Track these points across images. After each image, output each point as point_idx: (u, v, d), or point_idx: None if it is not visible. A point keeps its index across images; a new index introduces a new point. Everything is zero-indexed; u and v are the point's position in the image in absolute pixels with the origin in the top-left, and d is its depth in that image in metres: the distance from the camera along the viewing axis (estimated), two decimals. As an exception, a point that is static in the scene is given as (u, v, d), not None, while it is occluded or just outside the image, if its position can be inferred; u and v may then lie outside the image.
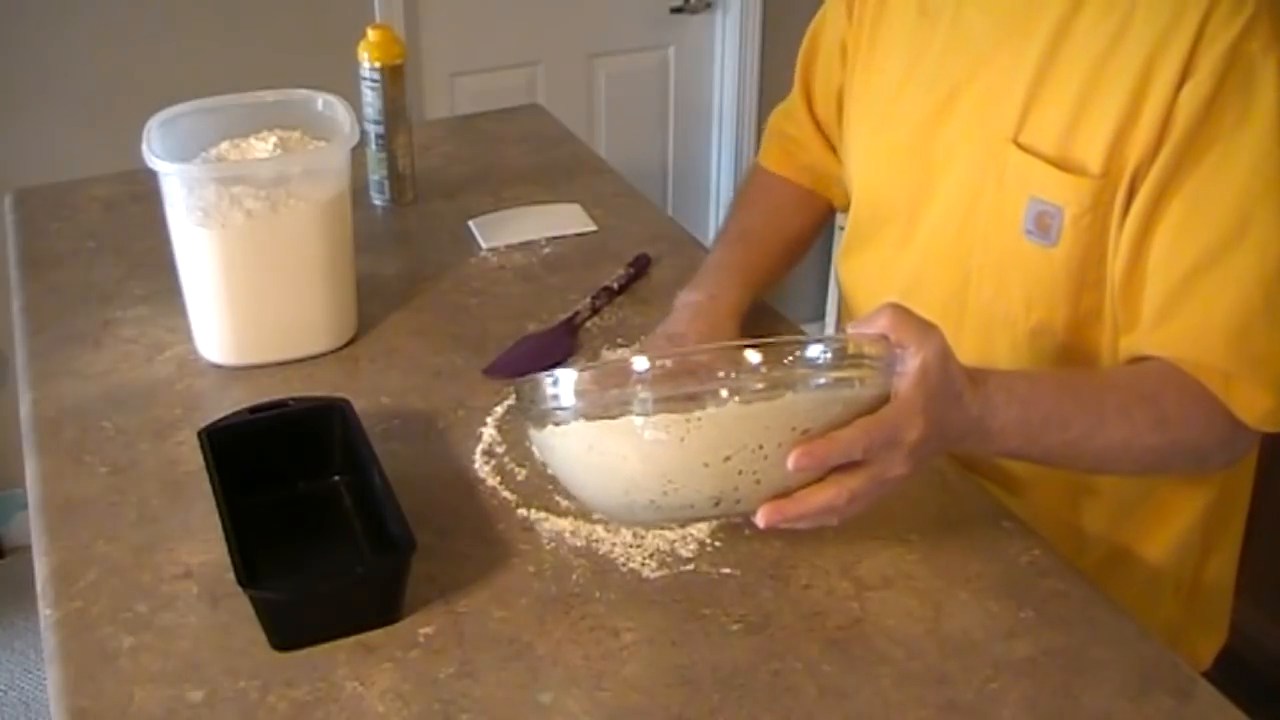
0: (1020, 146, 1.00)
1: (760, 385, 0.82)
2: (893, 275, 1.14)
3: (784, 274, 1.29)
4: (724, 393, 0.83)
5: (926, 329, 0.84)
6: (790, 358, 0.83)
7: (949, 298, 1.09)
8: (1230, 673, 1.07)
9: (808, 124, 1.29)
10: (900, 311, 0.85)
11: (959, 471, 1.05)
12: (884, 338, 0.84)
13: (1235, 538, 1.20)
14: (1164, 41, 0.92)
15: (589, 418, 0.85)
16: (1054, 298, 1.02)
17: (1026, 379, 0.95)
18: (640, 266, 1.33)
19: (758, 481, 0.83)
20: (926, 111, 1.09)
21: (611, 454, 0.85)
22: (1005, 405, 0.89)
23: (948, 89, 1.07)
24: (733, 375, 0.83)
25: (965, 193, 1.06)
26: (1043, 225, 1.00)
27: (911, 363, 0.83)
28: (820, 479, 0.83)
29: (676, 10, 2.80)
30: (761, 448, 0.81)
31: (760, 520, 0.83)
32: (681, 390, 0.83)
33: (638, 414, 0.82)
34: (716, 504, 0.84)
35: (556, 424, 0.86)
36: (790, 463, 0.80)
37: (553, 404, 0.86)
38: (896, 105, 1.13)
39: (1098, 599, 0.92)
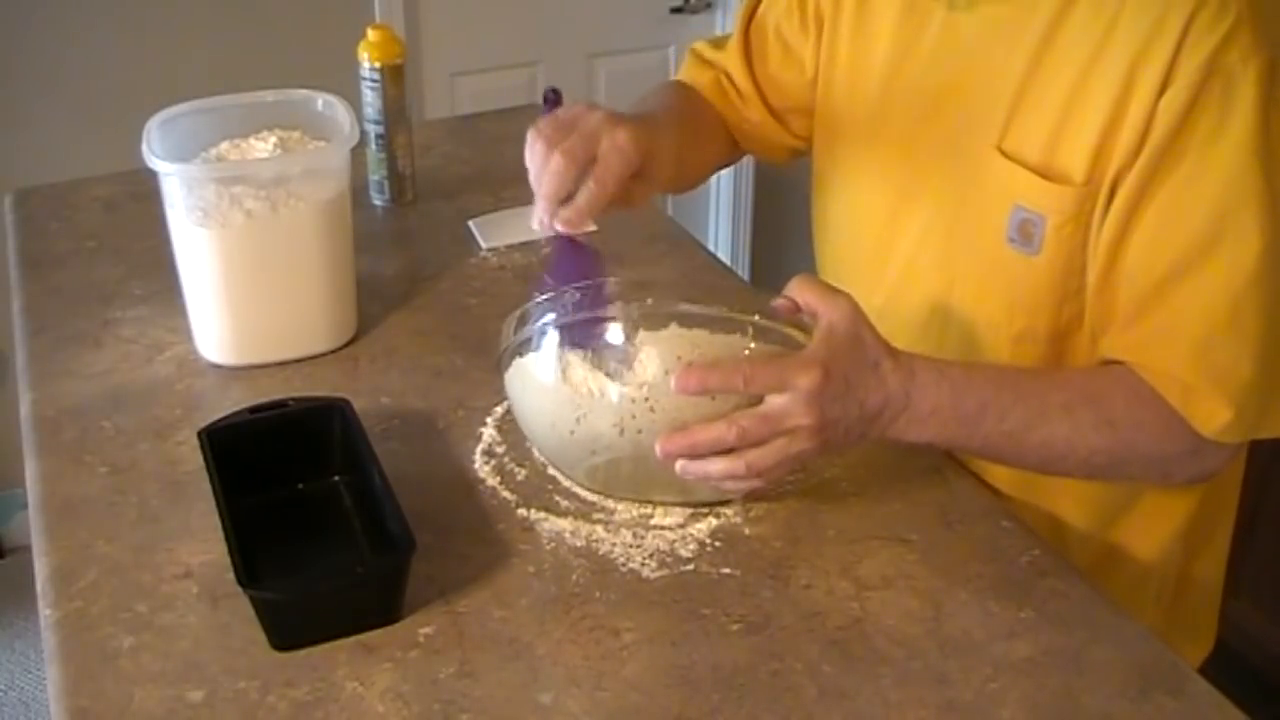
0: (1004, 153, 1.00)
1: (657, 319, 0.92)
2: (877, 278, 1.14)
3: (678, 187, 1.30)
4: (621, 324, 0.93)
5: (834, 294, 0.89)
6: (691, 301, 0.93)
7: (933, 303, 1.09)
8: (1230, 672, 1.07)
9: (744, 76, 1.26)
10: (808, 278, 0.90)
11: (959, 471, 1.05)
12: (791, 302, 0.90)
13: (1221, 546, 1.19)
14: (1146, 49, 0.92)
15: (521, 354, 0.96)
16: (1036, 306, 1.02)
17: (962, 366, 0.95)
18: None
19: (652, 410, 0.90)
20: (913, 114, 1.09)
21: (535, 388, 0.95)
22: (935, 385, 0.90)
23: (934, 92, 1.07)
24: (632, 306, 0.93)
25: (950, 198, 1.06)
26: (1025, 233, 1.00)
27: (820, 324, 0.88)
28: None
29: (676, 10, 2.80)
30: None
31: (658, 450, 0.88)
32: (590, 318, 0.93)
33: (548, 346, 0.93)
34: (621, 433, 0.91)
35: (505, 368, 0.97)
36: (672, 383, 0.86)
37: (503, 346, 0.97)
38: (881, 106, 1.12)
39: (1098, 599, 0.92)
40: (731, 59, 1.27)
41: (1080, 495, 1.09)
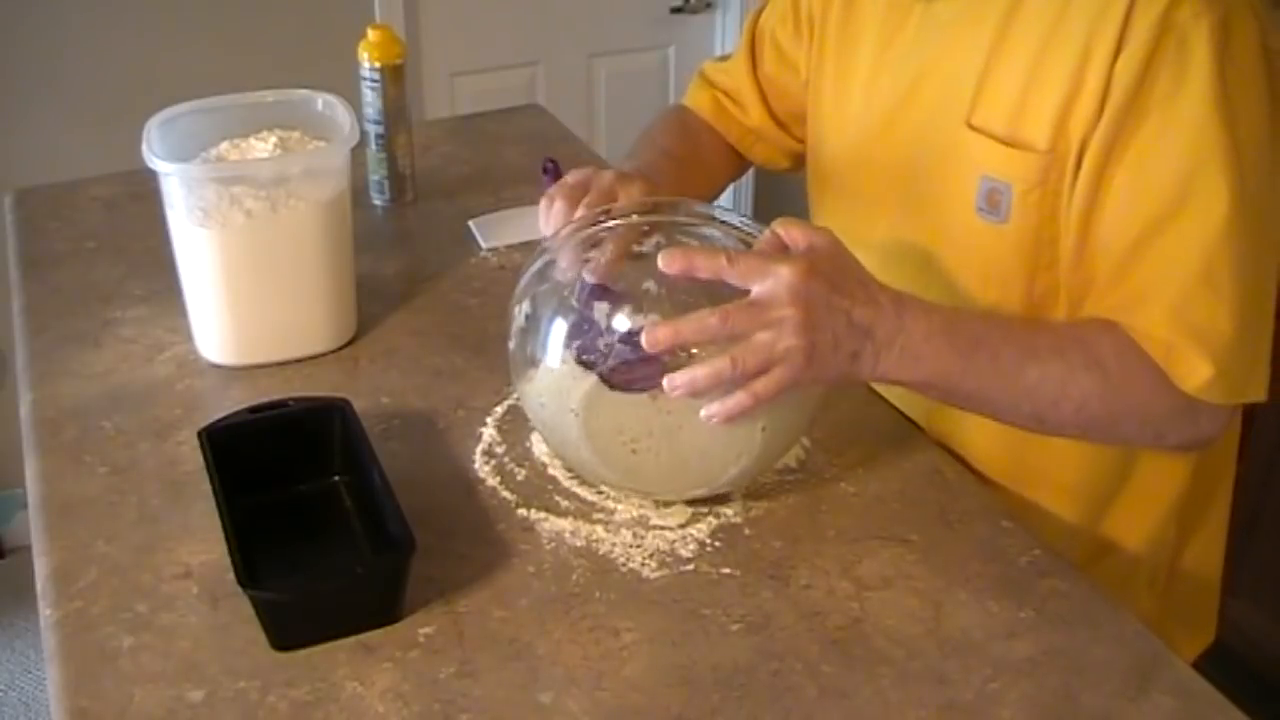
0: (972, 128, 1.02)
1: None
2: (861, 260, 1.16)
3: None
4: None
5: (818, 228, 0.91)
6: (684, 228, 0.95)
7: (913, 280, 1.10)
8: (1230, 673, 1.07)
9: (748, 81, 1.30)
10: (791, 218, 0.91)
11: (959, 471, 1.05)
12: (776, 238, 0.91)
13: (1214, 532, 1.20)
14: (1101, 15, 0.94)
15: (519, 300, 0.97)
16: (1008, 276, 1.03)
17: (949, 306, 0.97)
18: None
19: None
20: (892, 99, 1.11)
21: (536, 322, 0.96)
22: (926, 315, 0.91)
23: (912, 77, 1.09)
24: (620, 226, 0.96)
25: (924, 177, 1.08)
26: (993, 202, 1.01)
27: (803, 248, 0.90)
28: None
29: (676, 10, 2.80)
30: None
31: (644, 341, 0.87)
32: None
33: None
34: (609, 352, 0.92)
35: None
36: (660, 261, 0.87)
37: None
38: (865, 95, 1.15)
39: (1098, 599, 0.92)
40: (737, 66, 1.32)
41: (1067, 480, 1.10)
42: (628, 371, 0.93)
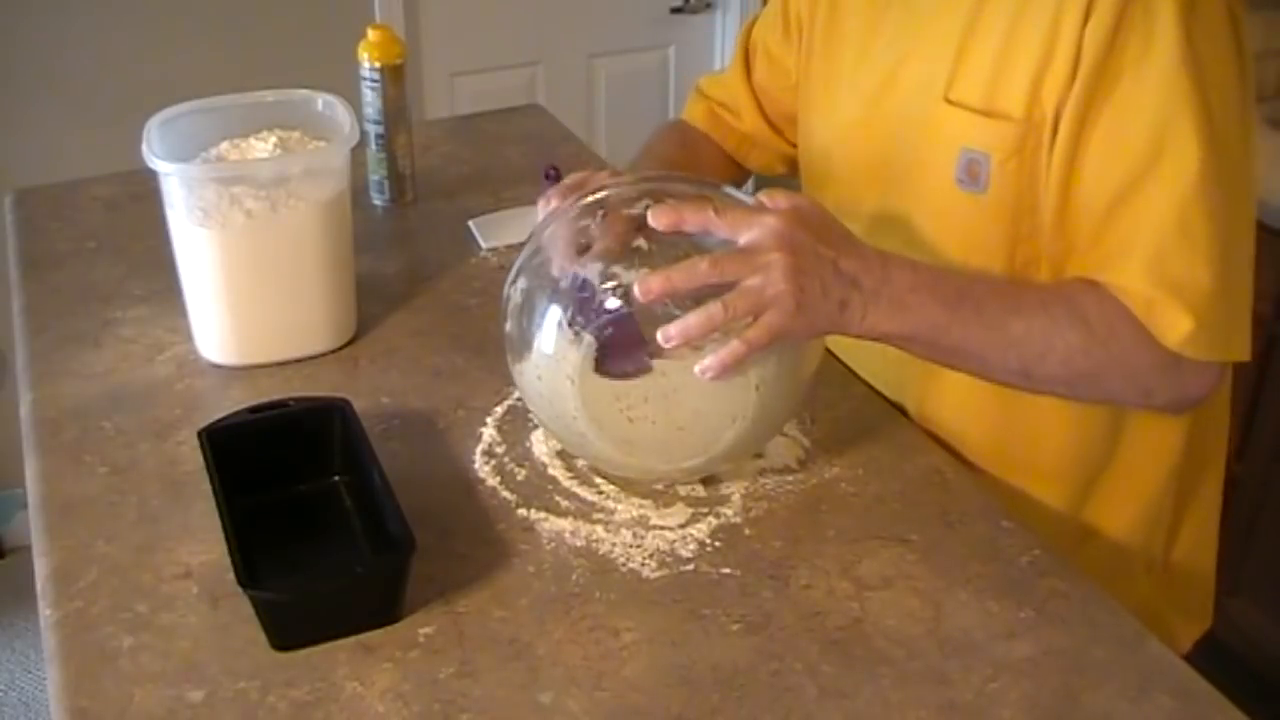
0: (950, 102, 1.04)
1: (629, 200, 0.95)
2: None
3: None
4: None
5: (800, 195, 0.92)
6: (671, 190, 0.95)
7: (897, 253, 1.11)
8: (1229, 672, 1.07)
9: (743, 89, 1.33)
10: (777, 188, 0.93)
11: (959, 471, 1.05)
12: (759, 200, 0.92)
13: (1208, 515, 1.21)
14: None
15: (514, 279, 0.98)
16: (989, 246, 1.04)
17: (934, 264, 0.99)
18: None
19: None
20: (876, 86, 1.13)
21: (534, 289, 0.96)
22: (911, 269, 0.93)
23: (893, 63, 1.11)
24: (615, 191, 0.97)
25: (907, 153, 1.09)
26: (972, 173, 1.03)
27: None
28: None
29: (676, 10, 2.80)
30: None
31: (637, 291, 0.88)
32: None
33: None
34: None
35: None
36: (649, 218, 0.89)
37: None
38: (850, 87, 1.16)
39: (1098, 599, 0.92)
40: (732, 76, 1.35)
41: (1052, 462, 1.10)
42: (621, 359, 0.93)
